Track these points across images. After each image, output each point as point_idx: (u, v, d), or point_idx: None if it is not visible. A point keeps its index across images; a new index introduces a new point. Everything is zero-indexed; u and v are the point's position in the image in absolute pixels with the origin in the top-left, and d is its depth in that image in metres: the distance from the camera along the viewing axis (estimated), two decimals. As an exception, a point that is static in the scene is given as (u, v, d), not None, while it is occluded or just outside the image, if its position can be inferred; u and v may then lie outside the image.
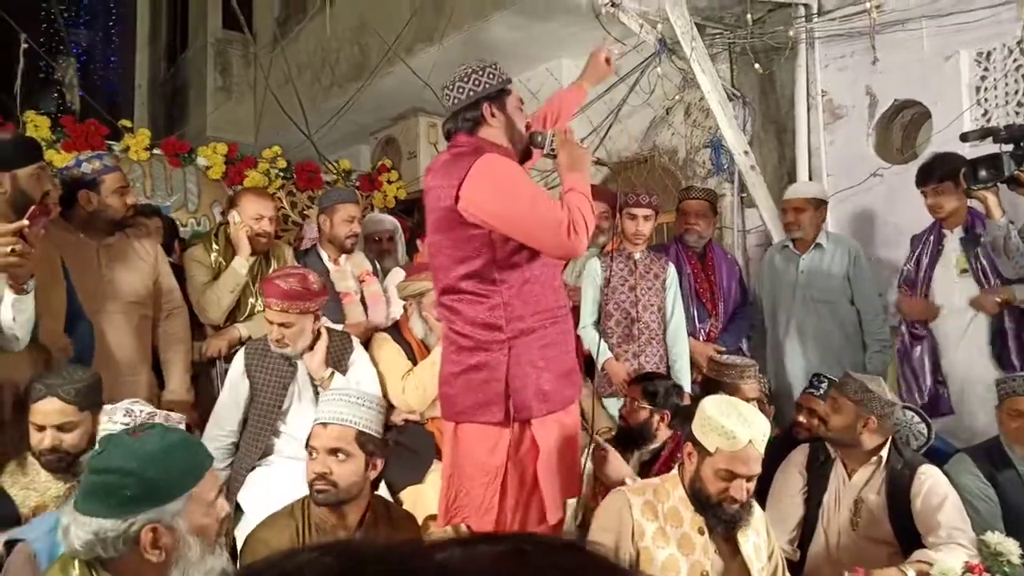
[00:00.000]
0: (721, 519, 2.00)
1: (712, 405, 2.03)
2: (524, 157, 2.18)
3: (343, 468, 2.00)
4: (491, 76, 2.07)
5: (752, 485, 2.00)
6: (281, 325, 2.73)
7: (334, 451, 2.01)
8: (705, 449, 1.98)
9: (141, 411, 1.90)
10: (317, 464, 2.01)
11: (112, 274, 2.86)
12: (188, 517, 1.42)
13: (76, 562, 1.41)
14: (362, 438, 2.03)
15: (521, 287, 2.02)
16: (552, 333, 2.07)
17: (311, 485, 2.01)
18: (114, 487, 1.38)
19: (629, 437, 2.78)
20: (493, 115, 2.08)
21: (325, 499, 2.00)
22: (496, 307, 2.01)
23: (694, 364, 3.47)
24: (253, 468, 2.76)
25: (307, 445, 2.09)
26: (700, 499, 2.00)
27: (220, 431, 2.79)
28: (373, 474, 2.06)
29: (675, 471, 2.13)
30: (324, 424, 2.06)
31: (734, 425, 1.94)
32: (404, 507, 2.54)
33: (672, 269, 3.47)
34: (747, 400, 3.00)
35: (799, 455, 2.63)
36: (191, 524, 1.42)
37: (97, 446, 1.52)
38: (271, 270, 3.30)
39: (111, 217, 2.87)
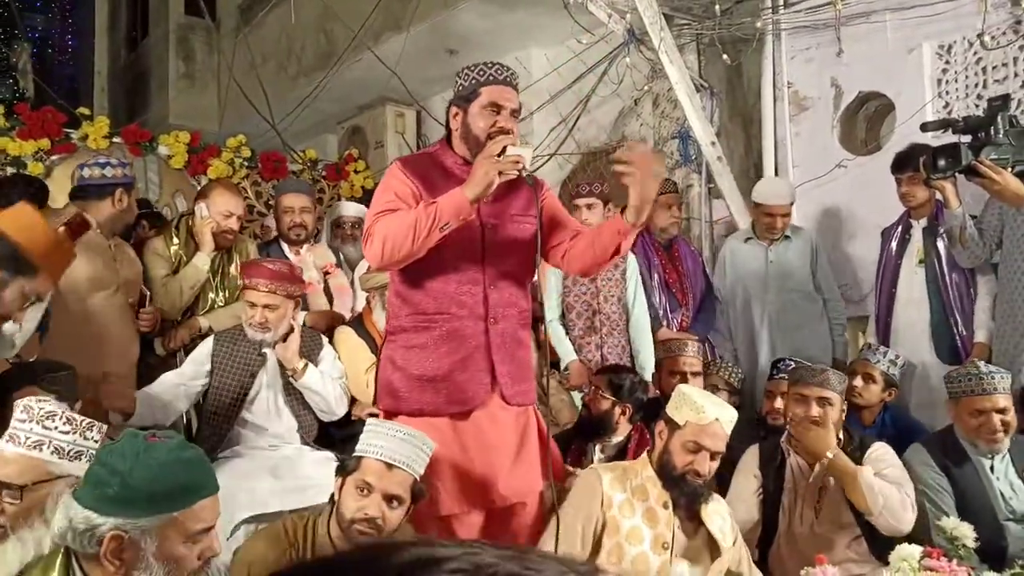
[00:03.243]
0: (684, 491, 2.11)
1: (687, 387, 2.24)
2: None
3: (394, 515, 1.87)
4: (465, 78, 2.07)
5: (715, 464, 2.13)
6: (266, 307, 2.69)
7: (392, 497, 1.86)
8: (676, 423, 2.12)
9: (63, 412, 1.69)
10: (370, 505, 1.85)
11: (123, 271, 2.99)
12: (162, 540, 1.33)
13: (57, 564, 1.37)
14: (416, 486, 1.90)
15: (400, 286, 2.10)
16: (423, 337, 2.05)
17: (352, 521, 1.84)
18: (100, 481, 1.34)
19: (589, 427, 2.80)
20: (455, 117, 2.10)
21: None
22: (388, 303, 2.19)
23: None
24: (214, 460, 2.72)
25: (348, 471, 1.90)
26: (667, 471, 2.12)
27: (158, 387, 2.71)
28: (404, 520, 1.95)
29: (644, 455, 2.24)
30: (389, 465, 1.86)
31: (704, 401, 2.11)
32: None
33: (632, 259, 3.46)
34: (685, 372, 3.12)
35: (750, 457, 2.67)
36: (163, 549, 1.33)
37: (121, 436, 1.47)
38: (233, 265, 3.27)
39: (127, 221, 3.08)
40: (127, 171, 3.02)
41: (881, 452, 2.53)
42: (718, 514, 2.18)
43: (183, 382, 2.76)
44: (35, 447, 1.59)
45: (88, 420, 1.69)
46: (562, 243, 2.17)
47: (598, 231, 2.13)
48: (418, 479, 1.90)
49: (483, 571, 0.45)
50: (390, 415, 2.11)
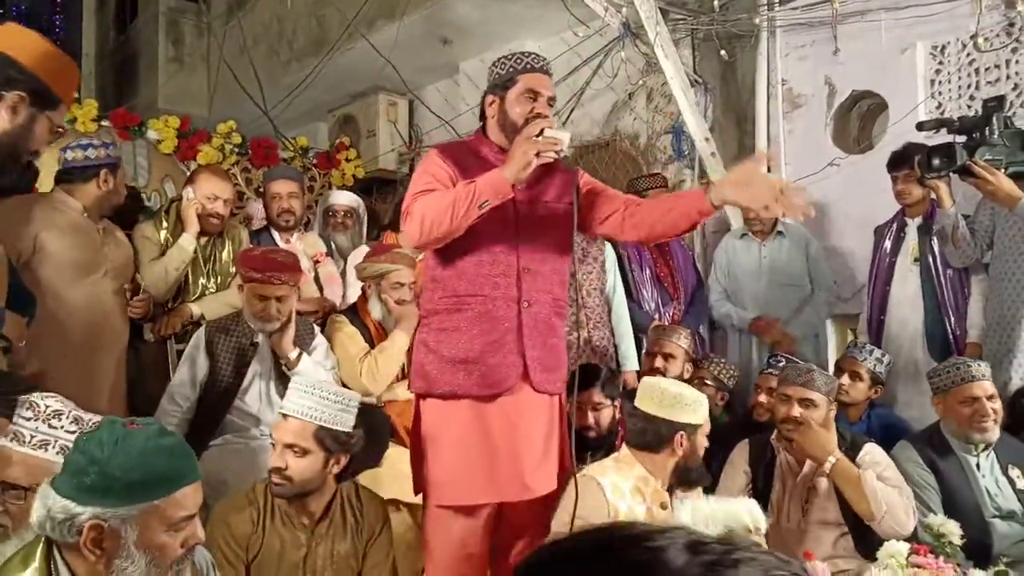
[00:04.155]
0: (702, 479, 2.25)
1: (670, 384, 2.23)
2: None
3: (298, 464, 1.97)
4: (502, 67, 2.10)
5: None
6: (278, 299, 2.73)
7: (290, 446, 1.98)
8: (694, 425, 2.18)
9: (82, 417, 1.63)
10: (276, 457, 1.99)
11: (112, 254, 2.93)
12: (143, 529, 1.31)
13: (39, 553, 1.34)
14: (321, 433, 1.98)
15: (435, 270, 2.13)
16: (455, 319, 2.07)
17: (269, 475, 2.00)
18: (78, 469, 1.31)
19: (599, 440, 2.71)
20: (491, 105, 2.12)
21: (280, 492, 1.99)
22: (423, 288, 2.22)
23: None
24: (207, 447, 2.72)
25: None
26: (687, 471, 2.20)
27: (173, 406, 2.77)
28: (336, 469, 2.02)
29: (625, 451, 2.23)
30: (285, 416, 2.03)
31: (701, 397, 2.22)
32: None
33: (609, 249, 3.46)
34: (667, 355, 3.22)
35: (740, 453, 2.68)
36: (144, 538, 1.32)
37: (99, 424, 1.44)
38: (225, 251, 3.25)
39: (115, 203, 2.99)
40: (110, 151, 2.97)
41: (875, 455, 2.53)
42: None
43: (193, 381, 2.79)
44: (40, 447, 1.55)
45: (95, 419, 1.63)
46: (616, 211, 2.13)
47: (675, 201, 2.11)
48: (323, 426, 1.97)
49: None
50: (422, 397, 2.13)
